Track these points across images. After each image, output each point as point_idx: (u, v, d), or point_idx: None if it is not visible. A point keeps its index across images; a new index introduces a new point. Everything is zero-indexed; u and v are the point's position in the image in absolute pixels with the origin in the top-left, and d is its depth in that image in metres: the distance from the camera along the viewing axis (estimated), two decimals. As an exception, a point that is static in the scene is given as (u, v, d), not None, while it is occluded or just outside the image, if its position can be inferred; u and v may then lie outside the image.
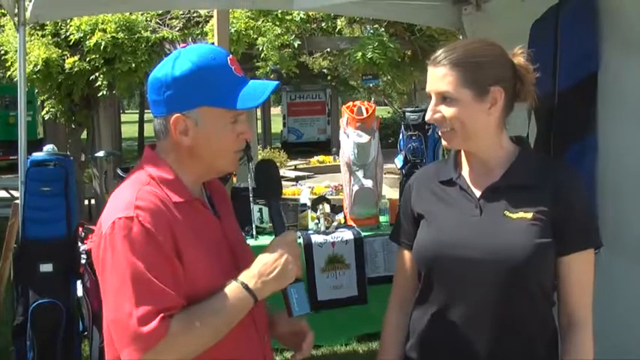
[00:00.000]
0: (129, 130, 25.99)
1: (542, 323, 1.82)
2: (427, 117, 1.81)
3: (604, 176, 3.21)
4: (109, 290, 1.59)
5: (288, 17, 9.00)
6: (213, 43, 6.56)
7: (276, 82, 1.74)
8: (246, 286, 1.64)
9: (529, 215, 1.74)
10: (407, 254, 1.95)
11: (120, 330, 1.56)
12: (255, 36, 8.81)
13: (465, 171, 1.87)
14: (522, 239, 1.72)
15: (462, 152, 1.90)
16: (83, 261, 4.45)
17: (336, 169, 14.05)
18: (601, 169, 3.22)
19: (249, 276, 1.66)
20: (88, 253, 4.50)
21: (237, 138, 1.70)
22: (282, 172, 14.96)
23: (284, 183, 13.19)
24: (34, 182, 4.23)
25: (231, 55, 1.72)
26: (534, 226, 1.73)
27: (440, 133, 1.84)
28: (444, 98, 1.77)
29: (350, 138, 4.96)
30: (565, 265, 1.78)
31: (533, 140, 3.45)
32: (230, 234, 1.80)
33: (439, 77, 1.76)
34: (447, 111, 1.76)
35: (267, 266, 1.66)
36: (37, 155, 4.39)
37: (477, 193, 1.81)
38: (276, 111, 27.08)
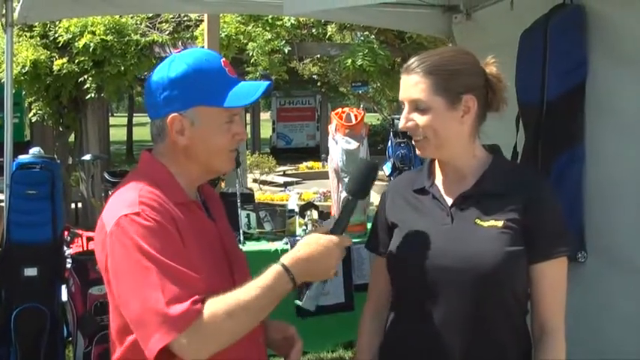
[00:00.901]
0: (118, 134, 25.91)
1: (515, 331, 1.82)
2: (400, 125, 1.81)
3: (592, 185, 3.23)
4: (127, 288, 1.57)
5: (278, 23, 9.02)
6: (203, 47, 6.56)
7: (268, 82, 1.77)
8: (287, 269, 1.62)
9: (500, 223, 1.75)
10: (382, 262, 1.95)
11: (149, 320, 1.53)
12: (245, 41, 8.82)
13: (439, 179, 1.89)
14: (492, 247, 1.73)
15: (436, 161, 1.91)
16: (68, 265, 4.43)
17: (325, 176, 13.98)
18: (589, 179, 3.24)
19: (294, 259, 1.64)
20: (73, 257, 4.47)
21: (233, 138, 1.73)
22: (271, 177, 14.93)
23: (272, 189, 13.20)
24: (19, 185, 4.19)
25: (224, 58, 1.75)
26: (505, 234, 1.74)
27: (414, 142, 1.84)
28: (417, 106, 1.77)
29: (338, 144, 4.95)
30: (538, 273, 1.78)
31: (522, 149, 3.47)
32: (225, 237, 1.81)
33: (412, 85, 1.77)
34: (420, 119, 1.77)
35: (317, 262, 1.64)
36: (22, 158, 4.36)
37: (449, 201, 1.83)
38: (265, 116, 27.06)
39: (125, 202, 1.62)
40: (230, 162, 1.76)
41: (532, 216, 1.75)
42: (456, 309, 1.75)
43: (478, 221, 1.76)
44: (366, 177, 1.80)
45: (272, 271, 1.62)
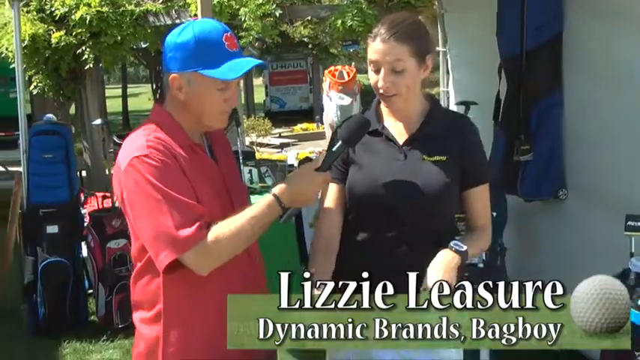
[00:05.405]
0: (112, 105, 25.91)
1: (448, 232, 2.14)
2: (380, 85, 2.07)
3: (571, 129, 3.46)
4: (142, 215, 1.88)
5: (269, -14, 9.09)
6: (196, 15, 6.71)
7: (259, 62, 2.03)
8: (278, 198, 1.91)
9: (443, 158, 2.10)
10: (336, 188, 2.19)
11: (160, 240, 1.84)
12: (237, 6, 8.92)
13: (387, 122, 2.19)
14: (438, 177, 2.09)
15: (382, 105, 2.19)
16: (85, 223, 4.71)
17: (319, 136, 14.12)
18: (568, 123, 3.47)
19: (283, 189, 1.93)
20: (91, 215, 4.76)
21: (224, 102, 1.99)
22: (267, 139, 15.11)
23: (269, 150, 13.32)
24: (36, 150, 4.47)
25: (229, 33, 1.99)
26: (448, 167, 2.10)
27: (382, 98, 2.12)
28: (394, 68, 2.06)
29: (333, 101, 5.17)
30: (471, 196, 2.16)
31: (504, 97, 3.70)
32: (227, 178, 2.08)
33: (389, 51, 2.04)
34: (397, 79, 2.06)
35: (302, 192, 1.94)
36: (38, 124, 4.62)
37: (401, 141, 2.15)
38: (258, 82, 27.06)
39: (136, 145, 1.92)
40: (221, 121, 2.04)
41: (467, 154, 2.12)
42: (407, 226, 2.09)
43: (425, 157, 2.11)
44: (359, 131, 2.08)
45: (265, 201, 1.93)
